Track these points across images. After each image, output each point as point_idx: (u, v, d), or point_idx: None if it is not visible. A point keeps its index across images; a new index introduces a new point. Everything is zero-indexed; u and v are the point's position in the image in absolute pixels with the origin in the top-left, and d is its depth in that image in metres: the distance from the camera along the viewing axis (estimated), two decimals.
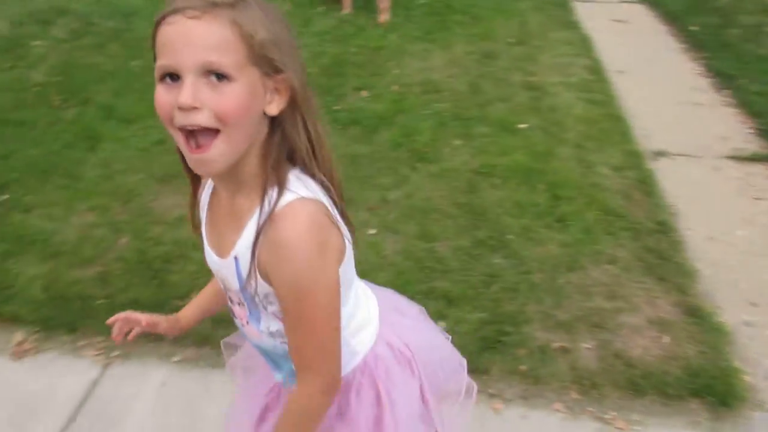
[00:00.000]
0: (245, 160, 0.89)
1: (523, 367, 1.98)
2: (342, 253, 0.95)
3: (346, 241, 0.95)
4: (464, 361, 1.31)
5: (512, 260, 2.41)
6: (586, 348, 2.05)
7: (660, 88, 4.04)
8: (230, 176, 0.90)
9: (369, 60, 4.19)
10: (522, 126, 3.41)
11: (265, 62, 0.84)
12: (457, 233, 2.55)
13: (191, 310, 1.24)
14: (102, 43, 4.28)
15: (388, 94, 3.72)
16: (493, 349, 2.02)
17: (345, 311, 1.00)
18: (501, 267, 2.37)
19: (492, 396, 1.90)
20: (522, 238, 2.52)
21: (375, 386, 1.10)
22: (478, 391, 1.35)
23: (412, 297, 1.35)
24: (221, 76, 0.80)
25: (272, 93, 0.87)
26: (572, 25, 4.93)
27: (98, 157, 3.02)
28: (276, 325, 0.99)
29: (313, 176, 0.92)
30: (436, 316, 2.06)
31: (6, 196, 2.76)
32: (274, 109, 0.87)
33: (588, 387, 1.93)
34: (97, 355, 2.06)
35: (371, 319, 1.14)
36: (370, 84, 3.84)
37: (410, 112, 3.51)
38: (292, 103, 0.89)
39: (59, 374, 1.99)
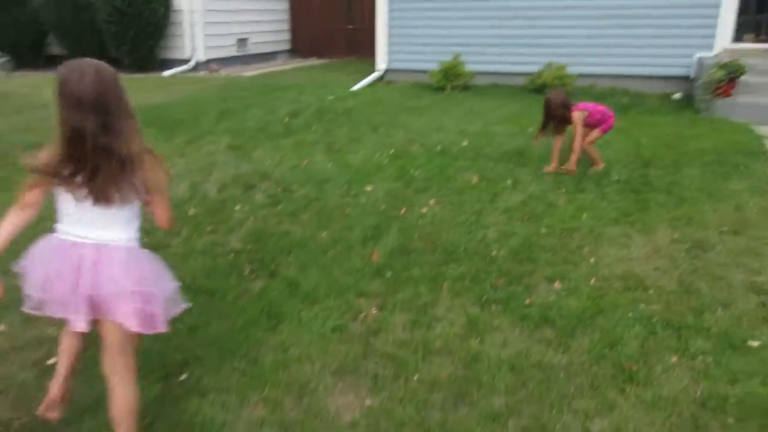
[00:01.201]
0: None
1: None
2: None
3: None
4: None
5: None
6: None
7: None
8: None
9: (561, 244, 3.87)
10: (754, 344, 2.82)
11: None
12: None
13: None
14: (295, 210, 4.42)
15: (585, 287, 3.32)
16: None
17: None
18: None
19: None
20: None
21: None
22: None
23: None
24: None
25: None
26: None
27: (277, 339, 2.92)
28: None
29: None
30: None
31: (185, 375, 2.71)
32: None
33: None
34: None
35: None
36: (563, 273, 3.48)
37: (612, 313, 3.07)
38: None
39: None
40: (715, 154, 5.54)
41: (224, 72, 11.42)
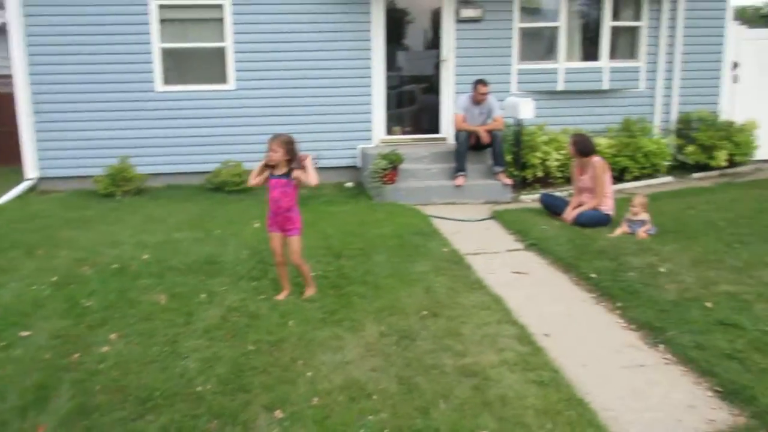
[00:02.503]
0: None
1: None
2: None
3: None
4: None
5: None
6: None
7: (595, 351, 3.67)
8: None
9: (273, 360, 3.47)
10: None
11: None
12: None
13: None
14: None
15: (309, 410, 2.96)
16: None
17: None
18: None
19: None
20: None
21: None
22: None
23: None
24: None
25: None
26: (478, 285, 4.64)
27: None
28: None
29: None
30: None
31: None
32: None
33: None
34: None
35: None
36: (283, 397, 3.08)
37: None
38: None
39: None
40: (396, 237, 5.84)
41: None
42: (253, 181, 4.38)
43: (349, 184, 8.80)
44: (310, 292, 4.47)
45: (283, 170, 4.30)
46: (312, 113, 8.90)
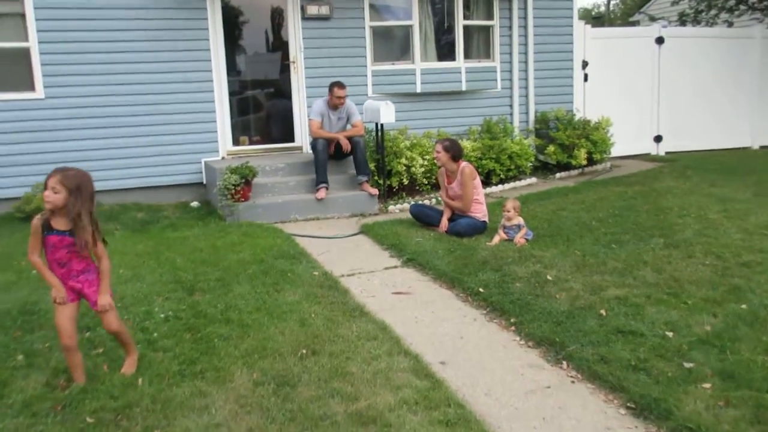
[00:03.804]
0: None
1: None
2: None
3: None
4: None
5: None
6: None
7: (498, 376, 3.53)
8: None
9: None
10: None
11: None
12: None
13: None
14: None
15: None
16: None
17: None
18: None
19: None
20: None
21: None
22: None
23: None
24: None
25: None
26: (359, 312, 4.35)
27: None
28: None
29: None
30: None
31: None
32: None
33: None
34: None
35: None
36: None
37: None
38: None
39: None
40: (258, 263, 5.41)
41: None
42: (33, 257, 3.27)
43: (195, 204, 8.17)
44: (131, 366, 3.52)
45: (66, 225, 3.22)
46: (144, 123, 8.16)
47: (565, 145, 9.32)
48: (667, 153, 11.29)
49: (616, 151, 10.15)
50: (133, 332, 3.93)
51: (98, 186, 3.54)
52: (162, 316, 4.30)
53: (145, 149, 8.18)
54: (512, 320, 4.20)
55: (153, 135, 8.20)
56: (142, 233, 6.75)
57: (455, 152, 6.42)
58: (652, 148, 11.32)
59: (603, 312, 4.13)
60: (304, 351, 3.74)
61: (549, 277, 4.80)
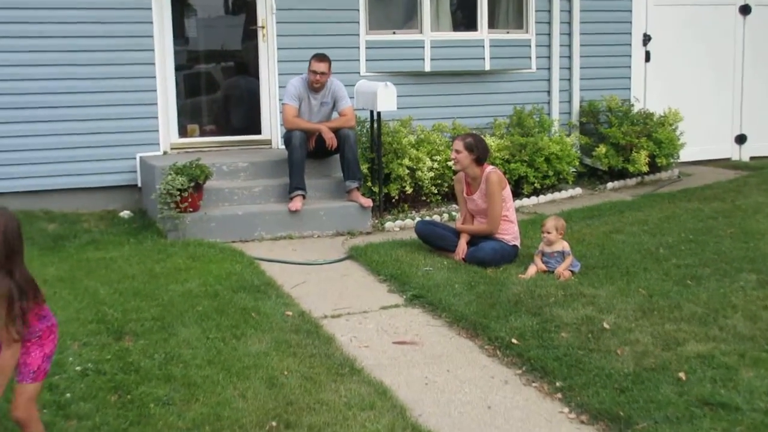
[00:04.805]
0: None
1: None
2: None
3: None
4: None
5: None
6: None
7: None
8: None
9: None
10: None
11: None
12: None
13: None
14: None
15: None
16: None
17: None
18: None
19: None
20: None
21: None
22: None
23: None
24: None
25: None
26: (350, 369, 4.28)
27: None
28: None
29: None
30: None
31: None
32: None
33: None
34: None
35: None
36: None
37: None
38: None
39: None
40: (210, 297, 5.34)
41: None
42: None
43: (126, 214, 8.09)
44: None
45: None
46: (60, 105, 8.06)
47: (620, 145, 9.27)
48: (752, 158, 11.27)
49: (685, 155, 10.10)
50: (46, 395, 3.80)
51: None
52: (78, 368, 4.19)
53: (60, 139, 8.08)
54: (557, 384, 4.11)
55: (71, 120, 8.10)
56: (53, 252, 6.65)
57: (480, 153, 6.34)
58: (733, 152, 11.30)
59: (682, 375, 4.04)
60: (274, 423, 3.63)
61: (606, 325, 4.73)
